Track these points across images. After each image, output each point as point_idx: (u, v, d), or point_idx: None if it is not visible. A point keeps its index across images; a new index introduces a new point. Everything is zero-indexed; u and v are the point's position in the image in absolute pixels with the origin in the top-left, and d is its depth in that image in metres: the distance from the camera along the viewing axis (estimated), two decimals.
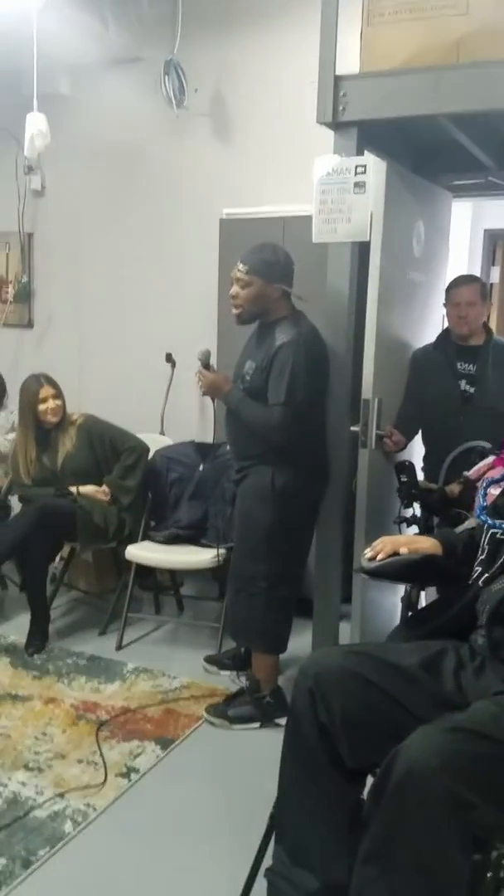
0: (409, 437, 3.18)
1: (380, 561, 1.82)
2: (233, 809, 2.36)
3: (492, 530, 1.82)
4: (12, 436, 3.73)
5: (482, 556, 1.83)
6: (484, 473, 2.66)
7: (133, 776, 2.47)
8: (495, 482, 1.93)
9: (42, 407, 3.51)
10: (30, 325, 4.72)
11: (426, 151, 3.33)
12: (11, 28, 3.53)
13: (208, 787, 2.49)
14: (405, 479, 2.87)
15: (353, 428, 2.96)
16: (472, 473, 2.73)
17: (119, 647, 3.41)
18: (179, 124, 4.01)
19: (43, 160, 4.33)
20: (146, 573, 3.69)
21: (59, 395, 3.56)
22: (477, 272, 4.88)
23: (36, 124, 3.32)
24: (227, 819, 2.32)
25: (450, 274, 3.60)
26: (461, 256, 4.68)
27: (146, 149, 4.22)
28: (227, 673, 3.14)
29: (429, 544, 1.89)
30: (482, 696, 1.64)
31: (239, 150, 3.99)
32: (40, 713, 2.83)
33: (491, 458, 2.70)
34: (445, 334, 3.24)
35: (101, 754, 2.56)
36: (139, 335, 4.38)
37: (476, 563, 1.84)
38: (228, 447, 3.24)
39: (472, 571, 1.85)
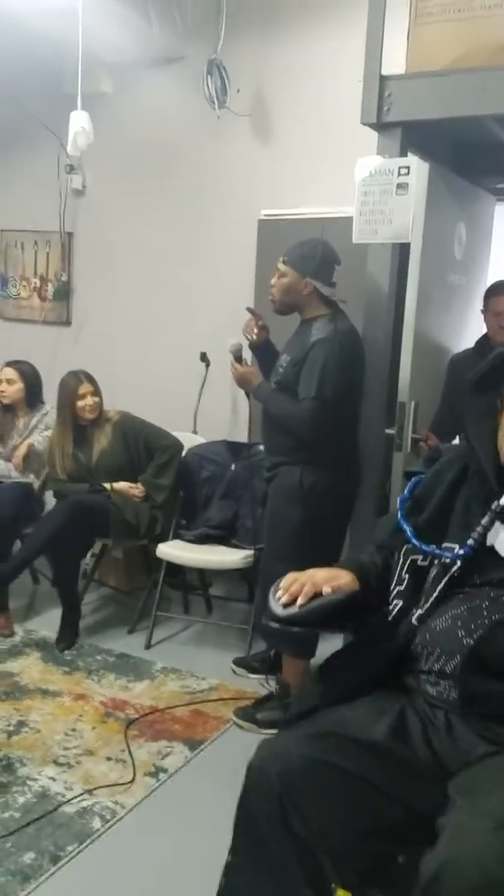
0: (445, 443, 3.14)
1: (300, 606, 1.47)
2: None
3: (411, 556, 1.57)
4: (47, 433, 3.75)
5: (401, 587, 1.57)
6: None
7: (161, 776, 2.47)
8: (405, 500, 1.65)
9: (80, 403, 3.53)
10: (67, 322, 4.75)
11: (469, 153, 3.29)
12: (53, 26, 3.56)
13: (236, 790, 2.46)
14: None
15: (388, 430, 2.93)
16: None
17: (148, 646, 3.41)
18: (220, 124, 4.01)
19: (84, 159, 4.37)
20: (176, 572, 3.69)
21: (97, 392, 3.59)
22: None
23: (79, 122, 3.34)
24: None
25: (490, 278, 3.55)
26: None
27: (186, 148, 4.23)
28: (256, 676, 3.12)
29: (348, 578, 1.55)
30: (465, 759, 1.40)
31: (279, 152, 3.97)
32: (70, 709, 2.84)
33: None
34: (485, 339, 3.19)
35: (130, 753, 2.56)
36: (174, 334, 4.38)
37: (393, 596, 1.58)
38: (262, 446, 3.24)
39: (386, 604, 1.58)
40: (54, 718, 2.77)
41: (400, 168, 2.74)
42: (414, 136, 2.80)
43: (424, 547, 1.53)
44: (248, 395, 2.93)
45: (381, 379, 2.88)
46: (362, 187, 2.78)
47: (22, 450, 3.72)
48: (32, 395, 3.85)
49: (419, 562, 1.56)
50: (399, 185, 2.74)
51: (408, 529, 1.56)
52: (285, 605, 1.47)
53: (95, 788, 2.38)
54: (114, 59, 4.11)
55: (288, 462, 2.74)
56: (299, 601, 1.47)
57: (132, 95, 4.33)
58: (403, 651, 1.54)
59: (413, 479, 1.65)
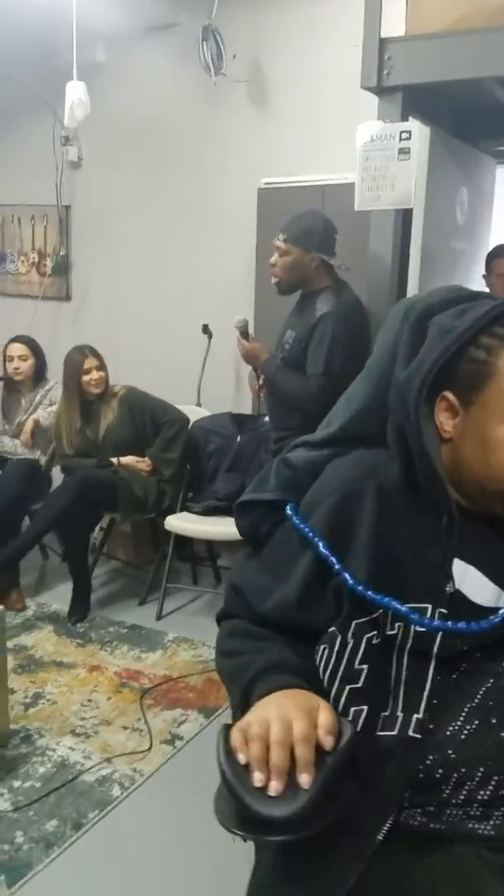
0: None
1: (309, 793, 0.84)
2: None
3: (366, 634, 0.99)
4: (53, 408, 3.76)
5: (356, 685, 0.98)
6: None
7: (178, 743, 2.51)
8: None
9: (86, 378, 3.54)
10: (67, 297, 4.73)
11: (469, 116, 3.24)
12: None
13: None
14: None
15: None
16: None
17: (159, 617, 3.45)
18: (217, 92, 3.95)
19: (79, 131, 4.31)
20: (184, 544, 3.72)
21: (102, 366, 3.59)
22: None
23: (76, 93, 3.30)
24: None
25: (492, 242, 3.53)
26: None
27: (183, 117, 4.17)
28: None
29: (322, 702, 0.94)
30: None
31: (278, 118, 3.92)
32: (85, 680, 2.88)
33: None
34: None
35: (146, 721, 2.61)
36: (176, 307, 4.37)
37: (343, 702, 0.98)
38: (268, 418, 3.25)
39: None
40: (70, 690, 2.81)
41: (401, 133, 2.71)
42: (414, 101, 2.77)
43: (399, 606, 0.96)
44: (256, 370, 2.93)
45: None
46: (363, 153, 2.75)
47: (29, 425, 3.73)
48: (39, 370, 3.86)
49: (373, 640, 0.98)
50: (401, 150, 2.71)
51: (345, 575, 1.00)
52: (277, 793, 0.84)
53: (114, 757, 2.43)
54: (107, 28, 4.05)
55: (295, 434, 2.74)
56: (305, 780, 0.84)
57: (126, 64, 4.27)
58: (404, 783, 0.94)
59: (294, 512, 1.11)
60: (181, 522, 3.48)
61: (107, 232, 4.54)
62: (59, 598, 3.57)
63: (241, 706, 0.99)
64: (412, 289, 2.90)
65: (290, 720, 0.88)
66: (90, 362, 3.55)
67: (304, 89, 3.83)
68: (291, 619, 1.06)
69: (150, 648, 3.15)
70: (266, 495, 1.17)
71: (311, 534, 1.05)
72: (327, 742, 0.87)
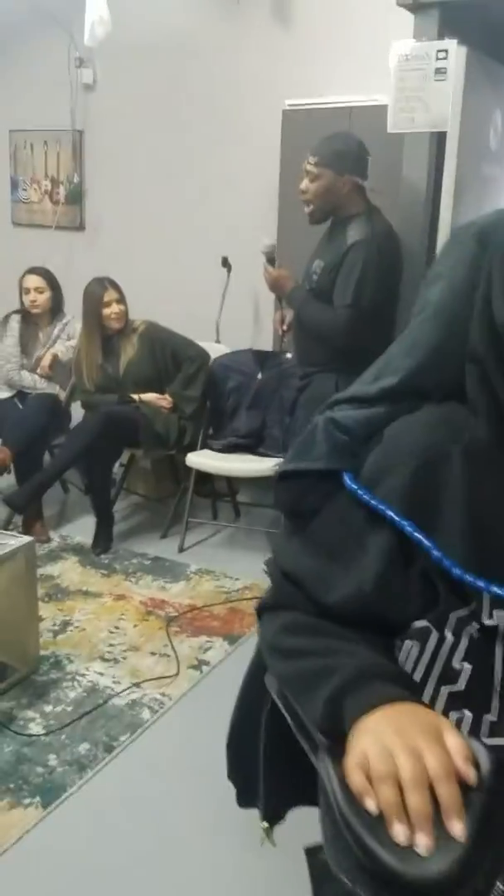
0: None
1: (466, 845, 0.66)
2: None
3: (468, 625, 0.83)
4: (71, 343, 3.72)
5: (456, 687, 0.83)
6: None
7: (204, 668, 2.56)
8: None
9: (106, 311, 3.49)
10: (81, 227, 4.62)
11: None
12: None
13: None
14: None
15: None
16: None
17: (181, 550, 3.48)
18: (238, 9, 3.78)
19: (94, 52, 4.15)
20: (204, 480, 3.73)
21: (122, 299, 3.53)
22: None
23: (97, 10, 3.16)
24: None
25: None
26: None
27: (203, 36, 4.00)
28: None
29: (447, 723, 0.77)
30: None
31: (303, 37, 3.76)
32: (111, 608, 2.92)
33: None
34: None
35: (173, 647, 2.65)
36: (194, 238, 4.27)
37: (444, 706, 0.83)
38: (291, 354, 3.19)
39: None
40: (97, 617, 2.85)
41: (438, 52, 2.60)
42: (450, 18, 2.64)
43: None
44: (280, 300, 2.87)
45: (417, 279, 2.81)
46: (398, 73, 2.65)
47: (47, 360, 3.69)
48: (56, 303, 3.80)
49: (474, 634, 0.83)
50: (437, 70, 2.61)
51: (443, 558, 0.83)
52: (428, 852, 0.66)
53: (143, 682, 2.47)
54: None
55: (322, 370, 2.70)
56: (458, 829, 0.66)
57: None
58: None
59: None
60: (202, 459, 3.48)
61: (122, 159, 4.41)
62: (82, 530, 3.60)
63: (328, 723, 0.79)
64: (444, 217, 2.82)
65: (418, 749, 0.70)
66: (110, 295, 3.49)
67: (331, 6, 3.66)
68: (365, 612, 0.86)
69: (173, 579, 3.18)
70: (316, 464, 0.96)
71: (387, 509, 0.86)
72: (470, 775, 0.69)
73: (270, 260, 2.79)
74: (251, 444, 3.58)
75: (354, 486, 0.90)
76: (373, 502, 0.87)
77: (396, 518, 0.85)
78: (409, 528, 0.84)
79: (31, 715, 2.31)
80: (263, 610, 0.97)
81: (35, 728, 2.26)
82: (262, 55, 3.86)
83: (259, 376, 3.71)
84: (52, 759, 2.14)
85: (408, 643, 0.85)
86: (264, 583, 3.14)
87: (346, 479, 0.91)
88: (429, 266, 2.84)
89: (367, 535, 0.88)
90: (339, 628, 0.88)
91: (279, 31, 3.81)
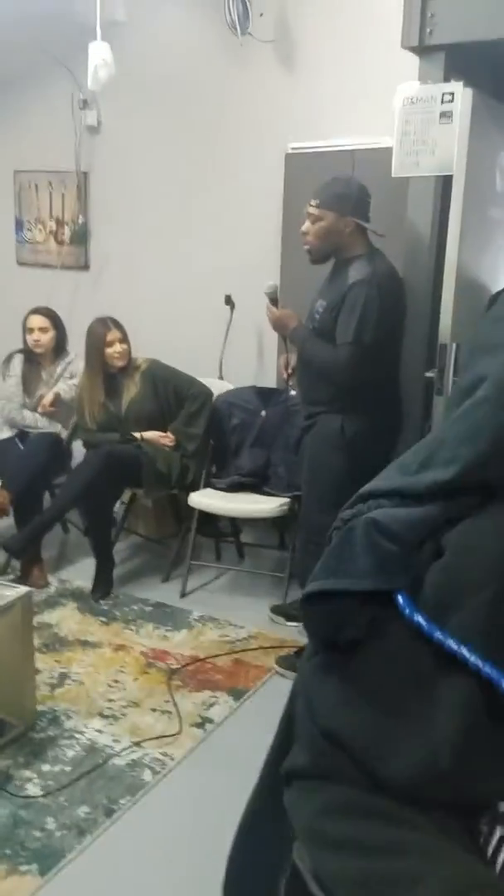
0: None
1: None
2: None
3: None
4: (74, 381, 3.68)
5: None
6: None
7: (208, 726, 2.47)
8: None
9: (109, 351, 3.46)
10: (86, 267, 4.62)
11: None
12: None
13: None
14: None
15: (427, 374, 2.84)
16: None
17: (183, 595, 3.40)
18: (243, 52, 3.80)
19: (98, 94, 4.17)
20: (207, 520, 3.66)
21: (125, 338, 3.51)
22: None
23: (100, 54, 3.17)
24: None
25: None
26: None
27: (207, 79, 4.02)
28: (294, 624, 3.11)
29: None
30: None
31: (307, 80, 3.76)
32: (111, 660, 2.84)
33: None
34: None
35: (175, 703, 2.56)
36: (198, 277, 4.25)
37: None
38: (295, 392, 3.16)
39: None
40: (96, 670, 2.77)
41: (444, 94, 2.59)
42: (455, 61, 2.64)
43: None
44: (285, 339, 2.84)
45: (421, 321, 2.77)
46: (403, 116, 2.64)
47: (49, 397, 3.65)
48: (60, 343, 3.77)
49: None
50: (443, 114, 2.59)
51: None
52: None
53: (143, 741, 2.38)
54: None
55: (328, 410, 2.67)
56: None
57: (147, 24, 4.11)
58: None
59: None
60: (205, 499, 3.41)
61: (126, 199, 4.41)
62: (82, 574, 3.52)
63: None
64: (450, 260, 2.78)
65: None
66: (113, 334, 3.46)
67: (334, 50, 3.67)
68: (438, 786, 0.66)
69: (175, 627, 3.10)
70: (360, 583, 0.71)
71: (463, 648, 0.65)
72: None
73: (273, 300, 2.79)
74: (255, 483, 3.52)
75: (418, 617, 0.68)
76: (445, 640, 0.66)
77: (479, 663, 0.64)
78: (496, 676, 0.63)
79: (28, 775, 2.23)
80: (294, 777, 0.75)
81: (32, 789, 2.17)
82: (265, 98, 3.87)
83: (263, 413, 3.67)
84: (51, 823, 2.05)
85: (500, 831, 0.66)
86: (270, 631, 3.07)
87: (404, 605, 0.69)
88: (435, 310, 2.79)
89: (438, 683, 0.66)
90: (403, 810, 0.66)
91: (283, 74, 3.82)
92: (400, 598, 0.69)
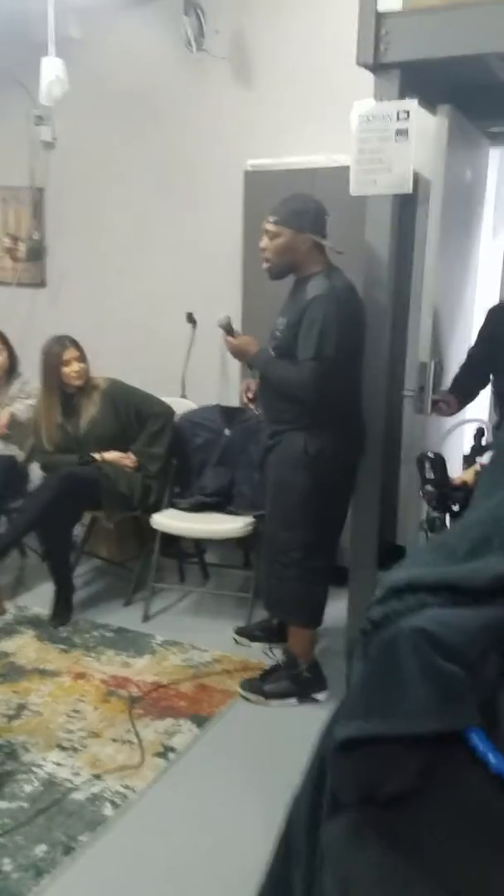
0: (478, 381, 2.95)
1: None
2: (275, 788, 2.29)
3: None
4: (30, 401, 3.60)
5: None
6: None
7: (171, 756, 2.40)
8: None
9: (66, 370, 3.38)
10: (42, 284, 4.54)
11: (467, 95, 3.12)
12: None
13: (249, 765, 2.42)
14: (433, 477, 2.22)
15: (405, 393, 2.83)
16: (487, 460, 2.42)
17: (146, 619, 3.33)
18: (199, 69, 3.79)
19: (53, 110, 4.11)
20: (170, 541, 3.59)
21: (82, 357, 3.43)
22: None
23: (53, 70, 3.13)
24: (272, 799, 2.25)
25: (486, 228, 3.43)
26: (487, 208, 4.49)
27: (164, 95, 4.00)
28: (259, 645, 3.06)
29: None
30: None
31: (264, 97, 3.76)
32: (70, 689, 2.75)
33: None
34: None
35: (137, 733, 2.49)
36: (158, 294, 4.21)
37: None
38: (258, 411, 3.12)
39: None
40: (55, 700, 2.68)
41: (399, 112, 2.58)
42: (411, 78, 2.64)
43: None
44: (249, 366, 2.80)
45: (383, 338, 2.76)
46: (359, 134, 2.63)
47: (4, 417, 3.56)
48: (12, 363, 3.69)
49: None
50: (398, 132, 2.59)
51: None
52: None
53: (104, 773, 2.30)
54: (81, 2, 3.85)
55: (291, 429, 2.63)
56: None
57: (102, 40, 4.08)
58: None
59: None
60: (169, 520, 3.35)
61: (83, 216, 4.36)
62: (40, 599, 3.43)
63: None
64: (428, 279, 2.78)
65: None
66: (70, 353, 3.39)
67: (291, 67, 3.68)
68: None
69: (137, 653, 3.03)
70: (419, 724, 0.51)
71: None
72: None
73: (228, 331, 2.75)
74: (219, 503, 3.47)
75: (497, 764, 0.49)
76: None
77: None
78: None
79: None
80: None
81: None
82: (223, 115, 3.86)
83: (226, 432, 3.63)
84: (7, 864, 1.96)
85: None
86: (234, 654, 3.01)
87: (483, 749, 0.49)
88: (398, 327, 2.77)
89: None
90: None
91: (240, 91, 3.81)
92: (475, 740, 0.50)
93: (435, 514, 2.27)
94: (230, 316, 2.80)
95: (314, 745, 0.66)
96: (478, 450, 2.64)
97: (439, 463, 2.22)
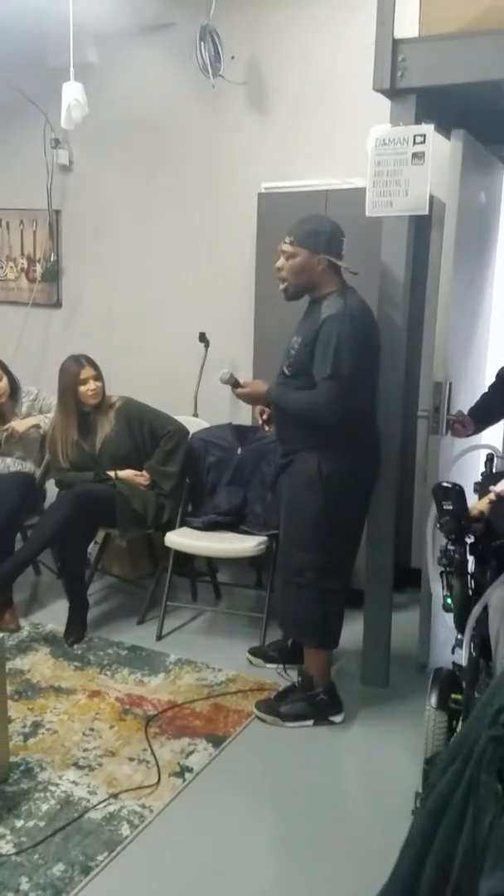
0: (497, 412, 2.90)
1: None
2: (291, 809, 2.28)
3: None
4: (50, 415, 3.63)
5: None
6: None
7: (187, 776, 2.39)
8: None
9: (83, 389, 3.41)
10: (58, 304, 4.59)
11: (480, 119, 3.16)
12: None
13: (265, 786, 2.41)
14: (450, 507, 2.14)
15: (420, 413, 2.83)
16: (501, 489, 2.34)
17: (159, 637, 3.32)
18: (215, 94, 3.85)
19: (70, 134, 4.18)
20: (183, 560, 3.60)
21: (99, 376, 3.46)
22: None
23: (73, 94, 3.18)
24: (286, 820, 2.25)
25: (500, 251, 3.46)
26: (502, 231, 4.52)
27: (179, 120, 4.06)
28: (274, 666, 3.05)
29: None
30: None
31: (278, 122, 3.82)
32: (86, 707, 2.75)
33: None
34: None
35: (153, 752, 2.48)
36: (172, 314, 4.25)
37: None
38: (270, 431, 3.13)
39: None
40: (70, 718, 2.68)
41: (416, 136, 2.63)
42: (426, 103, 2.68)
43: None
44: (266, 404, 2.81)
45: (398, 358, 2.78)
46: (375, 157, 2.67)
47: (27, 423, 3.59)
48: (14, 386, 3.71)
49: None
50: (415, 155, 2.63)
51: None
52: None
53: (121, 792, 2.29)
54: (99, 27, 3.93)
55: (304, 448, 2.64)
56: None
57: (119, 65, 4.16)
58: None
59: None
60: (182, 538, 3.36)
61: (99, 238, 4.42)
62: (54, 616, 3.43)
63: None
64: (443, 299, 2.80)
65: None
66: (87, 372, 3.42)
67: (306, 92, 3.73)
68: None
69: (151, 671, 3.02)
70: None
71: None
72: None
73: (234, 384, 2.77)
74: (232, 522, 3.47)
75: None
76: None
77: None
78: None
79: (1, 831, 2.13)
80: None
81: (5, 846, 2.07)
82: (238, 139, 3.92)
83: (239, 451, 3.64)
84: (25, 883, 1.95)
85: None
86: (248, 674, 3.01)
87: None
88: (413, 348, 2.79)
89: None
90: None
91: (255, 116, 3.87)
92: None
93: (451, 546, 2.21)
94: (230, 370, 2.82)
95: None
96: (489, 477, 2.64)
97: (458, 494, 2.15)
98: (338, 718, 2.70)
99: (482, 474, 2.69)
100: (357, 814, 2.33)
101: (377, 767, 2.52)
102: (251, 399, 2.77)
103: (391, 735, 2.64)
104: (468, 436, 2.90)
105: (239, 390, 2.75)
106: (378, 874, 2.07)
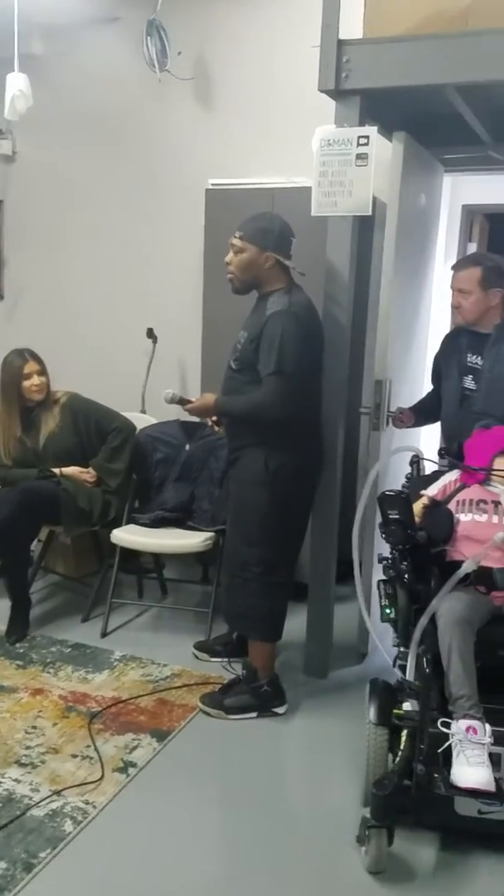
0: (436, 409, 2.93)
1: None
2: (236, 802, 2.30)
3: None
4: None
5: None
6: (454, 493, 2.41)
7: (131, 771, 2.38)
8: None
9: (26, 384, 3.36)
10: (0, 297, 4.52)
11: (421, 122, 3.23)
12: None
13: (209, 779, 2.42)
14: (397, 517, 2.16)
15: (362, 410, 2.88)
16: (436, 492, 2.45)
17: (104, 634, 3.31)
18: (162, 89, 3.84)
19: (13, 124, 4.12)
20: (129, 556, 3.58)
21: (43, 371, 3.42)
22: (454, 249, 4.75)
23: (17, 85, 3.14)
24: (232, 812, 2.26)
25: (439, 253, 3.53)
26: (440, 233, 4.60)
27: (126, 114, 4.04)
28: (219, 660, 3.07)
29: None
30: None
31: (225, 118, 3.84)
32: (28, 705, 2.72)
33: (455, 474, 2.48)
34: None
35: (96, 748, 2.47)
36: (119, 309, 4.23)
37: None
38: (221, 431, 3.14)
39: None
40: (12, 716, 2.65)
41: (359, 138, 2.66)
42: (370, 105, 2.72)
43: None
44: (216, 414, 2.81)
45: (342, 356, 2.82)
46: (321, 157, 2.70)
47: None
48: None
49: None
50: (359, 156, 2.67)
51: None
52: None
53: (64, 789, 2.28)
54: (45, 19, 3.87)
55: (251, 445, 2.66)
56: None
57: (65, 58, 4.11)
58: None
59: None
60: (128, 535, 3.34)
61: (43, 229, 4.36)
62: None
63: None
64: (384, 299, 2.85)
65: None
66: (31, 367, 3.37)
67: (254, 90, 3.76)
68: None
69: (96, 668, 3.01)
70: None
71: None
72: None
73: (181, 402, 2.77)
74: (179, 518, 3.47)
75: None
76: None
77: None
78: None
79: None
80: None
81: None
82: (185, 134, 3.92)
83: (187, 448, 3.64)
84: None
85: None
86: (194, 668, 3.02)
87: None
88: (357, 347, 2.84)
89: None
90: None
91: (202, 112, 3.88)
92: None
93: (395, 552, 2.27)
94: (172, 390, 2.82)
95: None
96: (416, 480, 2.70)
97: (404, 502, 2.19)
98: (281, 710, 2.74)
99: (407, 476, 2.75)
100: (300, 805, 2.37)
101: (319, 758, 2.56)
102: (201, 412, 2.79)
103: (331, 725, 2.69)
104: (410, 427, 2.97)
105: (188, 406, 2.76)
106: (323, 865, 2.11)
